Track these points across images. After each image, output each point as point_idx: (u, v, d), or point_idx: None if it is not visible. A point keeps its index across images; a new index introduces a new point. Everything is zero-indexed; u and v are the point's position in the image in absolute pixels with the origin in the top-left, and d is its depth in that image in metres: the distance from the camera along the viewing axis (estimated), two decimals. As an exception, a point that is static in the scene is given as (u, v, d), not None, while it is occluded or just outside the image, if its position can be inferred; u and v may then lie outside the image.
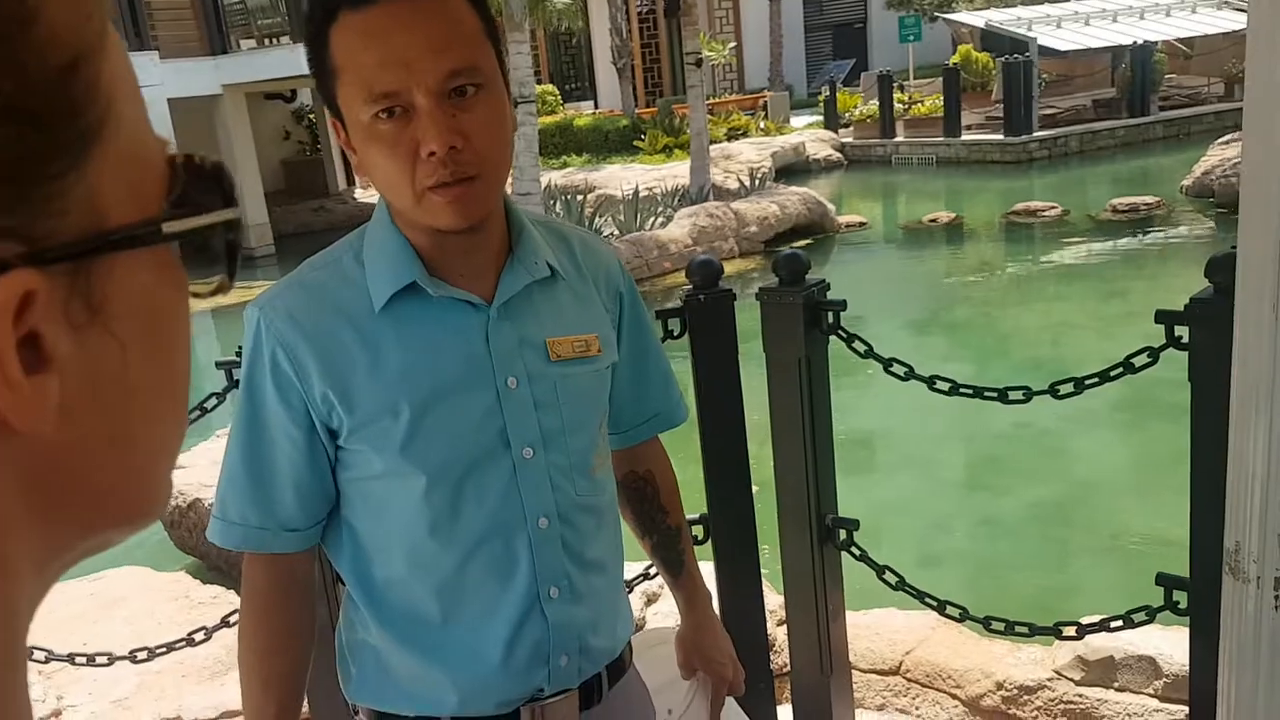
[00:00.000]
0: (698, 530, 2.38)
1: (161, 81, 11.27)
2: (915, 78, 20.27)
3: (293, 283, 1.17)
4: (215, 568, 4.39)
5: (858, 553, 2.36)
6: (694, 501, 2.47)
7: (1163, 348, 2.02)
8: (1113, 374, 2.18)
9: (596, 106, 25.14)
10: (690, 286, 2.28)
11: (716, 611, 1.49)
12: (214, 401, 2.39)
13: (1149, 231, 10.94)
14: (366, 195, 15.91)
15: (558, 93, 22.78)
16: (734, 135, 18.67)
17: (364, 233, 1.18)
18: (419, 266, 1.13)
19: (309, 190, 16.42)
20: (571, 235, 1.28)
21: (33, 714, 0.34)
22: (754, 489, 2.36)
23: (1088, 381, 2.23)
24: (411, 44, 1.04)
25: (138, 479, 0.36)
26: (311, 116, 16.75)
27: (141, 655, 2.60)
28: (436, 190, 1.06)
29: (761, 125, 19.67)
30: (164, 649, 2.60)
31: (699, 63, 12.72)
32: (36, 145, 0.30)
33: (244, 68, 13.19)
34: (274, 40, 13.40)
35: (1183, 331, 1.94)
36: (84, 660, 2.62)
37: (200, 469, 4.29)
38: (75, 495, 0.33)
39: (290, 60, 12.45)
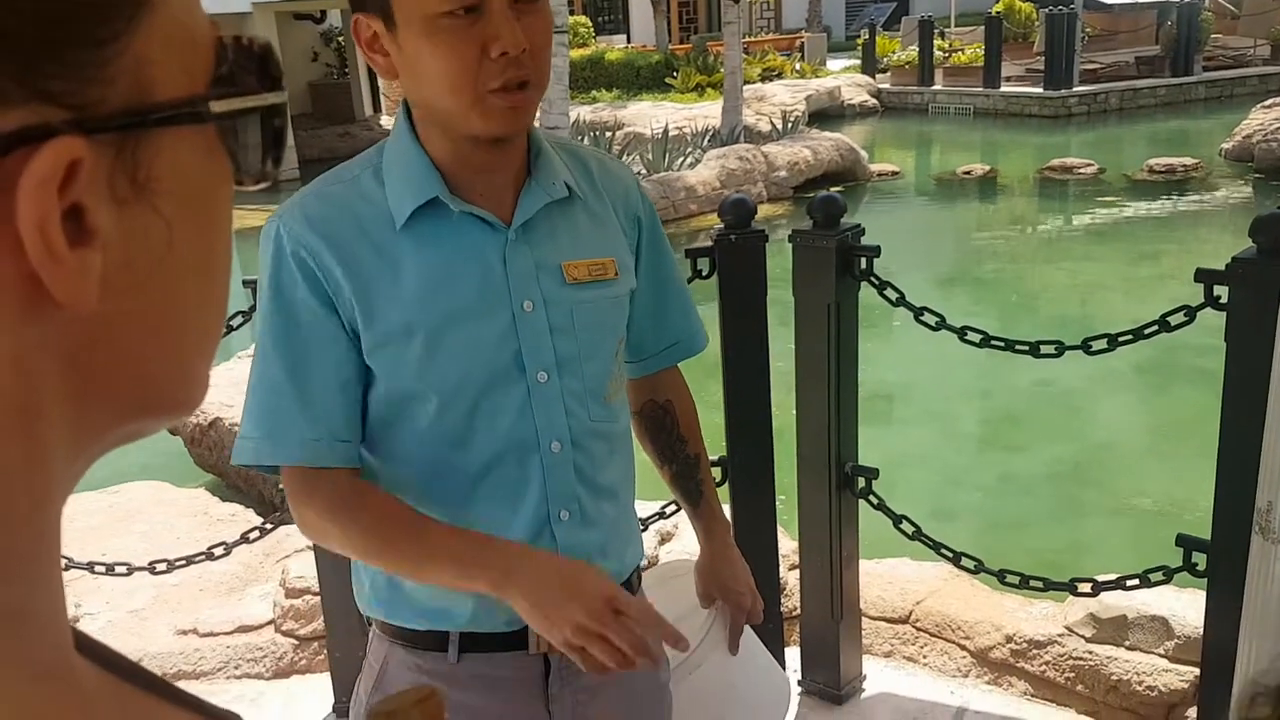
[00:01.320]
0: (716, 472, 2.38)
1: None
2: (956, 25, 19.84)
3: (311, 194, 1.15)
4: (234, 486, 4.44)
5: (875, 501, 2.36)
6: (714, 444, 2.47)
7: (1200, 307, 1.98)
8: (1147, 332, 2.15)
9: (629, 41, 24.77)
10: (721, 226, 2.25)
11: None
12: (239, 320, 2.39)
13: (1185, 194, 10.74)
14: (392, 123, 15.83)
15: (590, 25, 22.45)
16: (768, 76, 18.37)
17: (382, 149, 1.16)
18: (440, 182, 1.11)
19: (335, 115, 16.31)
20: (589, 157, 1.26)
21: (66, 609, 0.33)
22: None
23: (1121, 339, 2.19)
24: None
25: (177, 365, 0.35)
26: (340, 39, 16.59)
27: (161, 567, 2.64)
28: (498, 93, 1.05)
29: (797, 67, 19.34)
30: (183, 562, 2.64)
31: (736, 0, 12.48)
32: (87, 4, 0.29)
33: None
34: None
35: (1221, 292, 1.90)
36: (103, 569, 2.66)
37: (221, 388, 4.32)
38: (113, 377, 0.32)
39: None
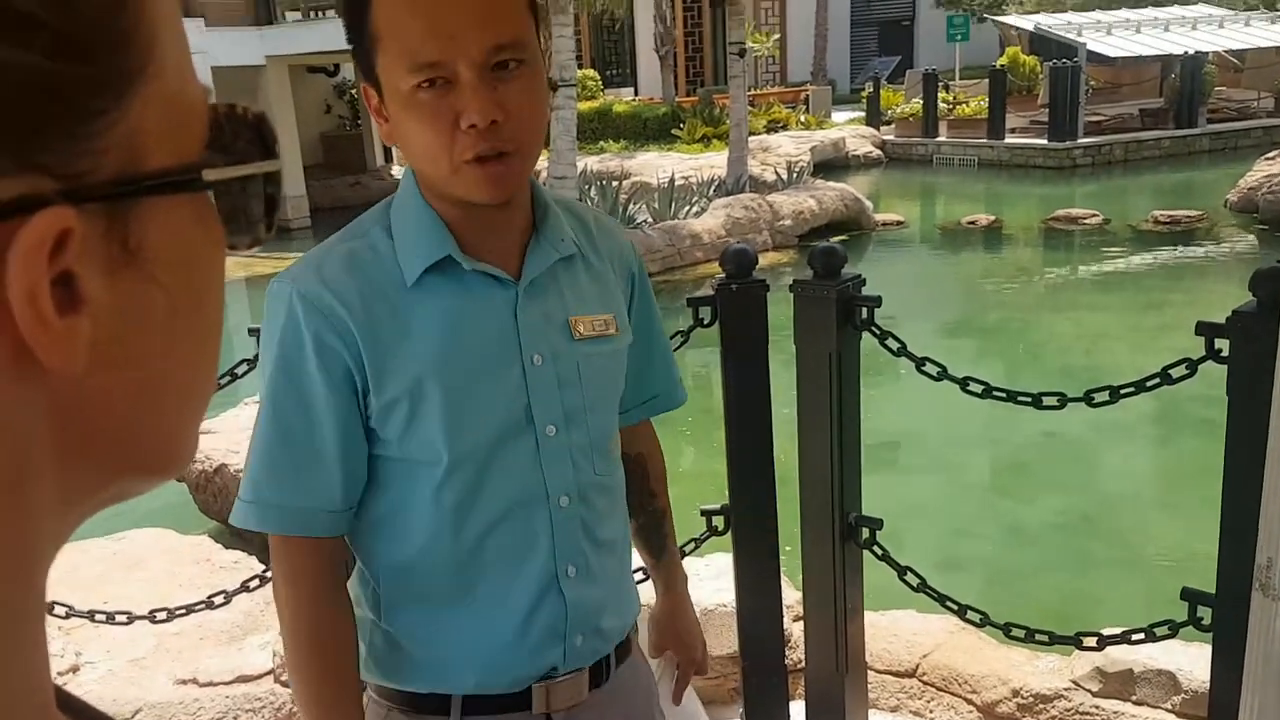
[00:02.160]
0: (719, 521, 2.37)
1: (206, 49, 11.36)
2: (961, 78, 20.07)
3: (322, 253, 1.15)
4: (237, 533, 4.42)
5: (880, 552, 2.34)
6: (717, 492, 2.47)
7: (1201, 360, 1.98)
8: (1149, 384, 2.15)
9: (637, 93, 25.08)
10: (723, 275, 2.26)
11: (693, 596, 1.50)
12: (244, 368, 2.40)
13: (1190, 245, 10.78)
14: (400, 172, 16.00)
15: (598, 78, 22.76)
16: (774, 128, 18.56)
17: (389, 206, 1.17)
18: (451, 240, 1.12)
19: (347, 165, 16.50)
20: (587, 216, 1.28)
21: (50, 667, 0.33)
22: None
23: (1123, 391, 2.19)
24: (457, 15, 1.02)
25: (164, 428, 0.35)
26: (353, 92, 16.81)
27: (161, 616, 2.63)
28: (473, 163, 1.05)
29: (802, 119, 19.54)
30: (184, 611, 2.63)
31: (742, 53, 12.65)
32: (80, 79, 0.29)
33: (289, 40, 13.26)
34: (320, 14, 13.46)
35: (1222, 345, 1.90)
36: (104, 618, 2.65)
37: (227, 435, 4.33)
38: (102, 439, 0.33)
39: (335, 34, 12.48)
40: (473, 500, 1.15)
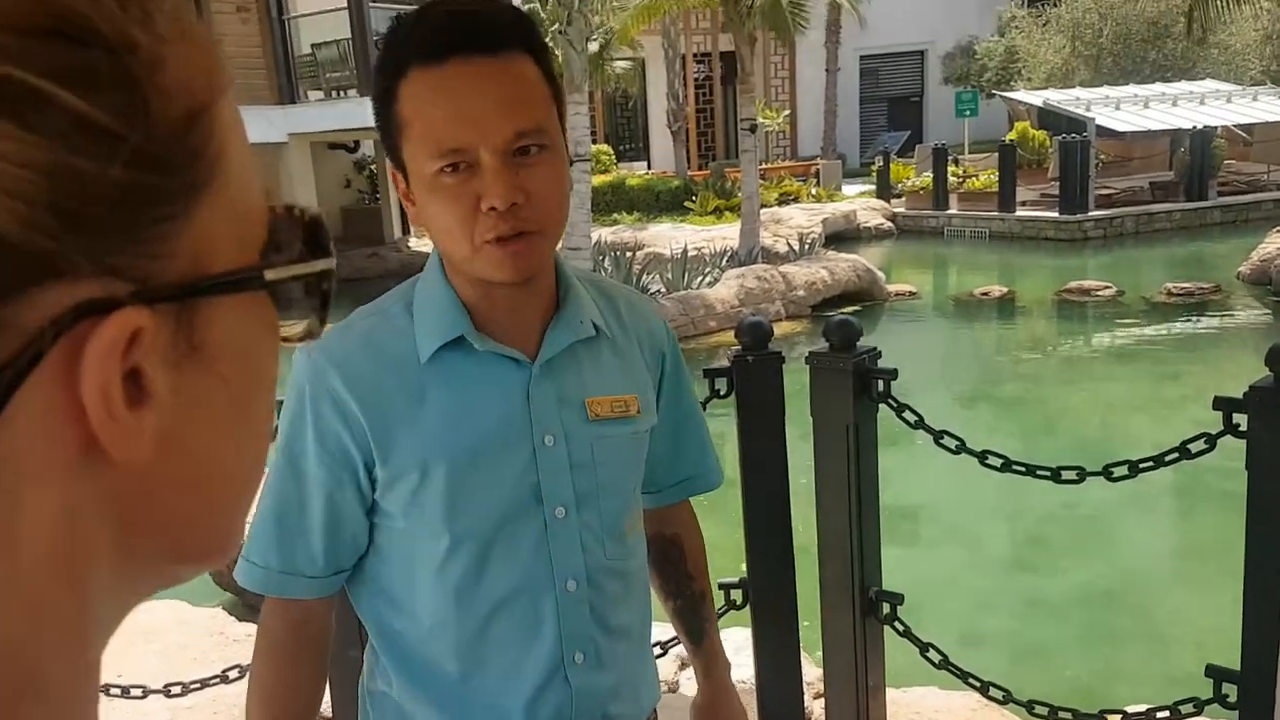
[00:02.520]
0: (737, 595, 2.36)
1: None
2: (970, 152, 20.31)
3: (341, 328, 1.18)
4: (251, 605, 4.40)
5: (901, 628, 2.32)
6: (734, 565, 2.46)
7: (1220, 434, 1.98)
8: (1168, 459, 2.15)
9: (649, 167, 25.45)
10: (739, 347, 2.29)
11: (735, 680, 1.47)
12: (264, 439, 2.43)
13: (1204, 317, 10.77)
14: (420, 244, 16.18)
15: (612, 152, 23.12)
16: (785, 200, 18.78)
17: (415, 284, 1.20)
18: (466, 320, 1.14)
19: (365, 237, 16.73)
20: (618, 294, 1.29)
21: None
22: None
23: (1142, 465, 2.19)
24: (480, 103, 1.05)
25: (217, 517, 0.36)
26: (372, 167, 17.14)
27: (175, 690, 2.61)
28: (494, 243, 1.07)
29: (813, 192, 19.77)
30: (197, 685, 2.61)
31: (753, 128, 12.86)
32: (154, 189, 0.31)
33: (310, 118, 13.56)
34: (341, 93, 13.78)
35: (1240, 419, 1.91)
36: (118, 692, 2.64)
37: (243, 506, 4.33)
38: (158, 529, 0.34)
39: (355, 113, 12.78)
40: (476, 580, 1.16)
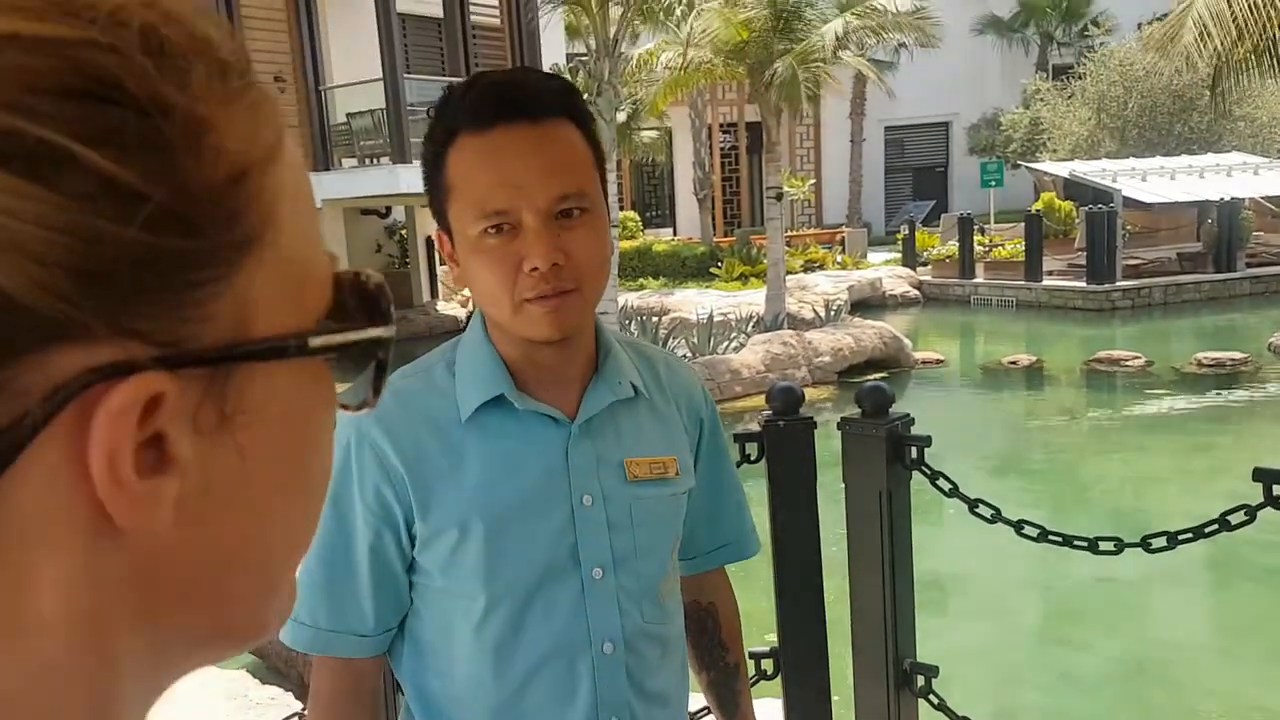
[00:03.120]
0: (768, 665, 2.32)
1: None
2: (995, 222, 20.37)
3: (388, 387, 1.19)
4: (274, 668, 4.37)
5: (936, 701, 2.27)
6: (766, 633, 2.42)
7: (1260, 506, 1.95)
8: (1208, 531, 2.11)
9: (675, 233, 25.72)
10: (769, 412, 2.28)
11: None
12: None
13: (1235, 388, 10.65)
14: (447, 308, 16.34)
15: (639, 219, 23.38)
16: (810, 267, 18.86)
17: (457, 344, 1.21)
18: (508, 379, 1.15)
19: (395, 300, 16.82)
20: (656, 357, 1.30)
21: None
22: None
23: (1181, 536, 2.16)
24: (525, 167, 1.08)
25: (257, 592, 0.35)
26: (403, 232, 17.39)
27: (198, 751, 2.59)
28: (534, 301, 1.09)
29: (838, 259, 19.85)
30: (220, 747, 2.58)
31: (779, 196, 12.98)
32: (183, 252, 0.30)
33: (344, 184, 13.82)
34: (374, 160, 14.05)
35: (1282, 490, 1.87)
36: (141, 752, 2.61)
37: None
38: (188, 601, 0.33)
39: (388, 179, 13.02)
40: (514, 641, 1.15)
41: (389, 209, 17.44)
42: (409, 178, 12.10)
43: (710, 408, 1.33)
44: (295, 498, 0.35)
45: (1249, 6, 10.10)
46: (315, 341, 0.34)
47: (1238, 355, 11.38)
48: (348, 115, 14.14)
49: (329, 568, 1.18)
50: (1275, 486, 1.89)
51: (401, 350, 1.36)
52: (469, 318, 1.24)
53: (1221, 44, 10.26)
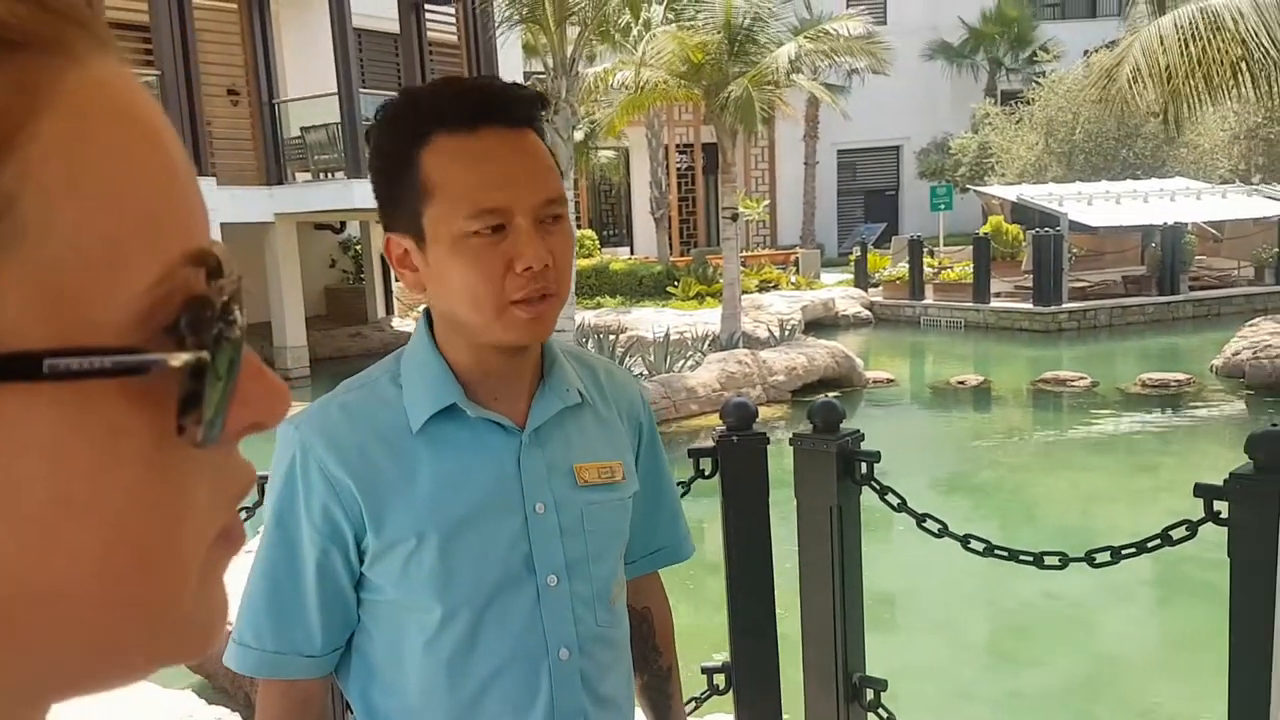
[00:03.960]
0: (720, 679, 2.33)
1: (217, 207, 11.72)
2: (945, 245, 20.69)
3: (329, 403, 1.19)
4: (221, 689, 4.30)
5: (885, 714, 2.29)
6: (718, 647, 2.43)
7: (1201, 522, 2.00)
8: (1150, 545, 2.16)
9: (632, 252, 25.78)
10: (724, 427, 2.30)
11: None
12: (242, 514, 2.40)
13: (1179, 408, 10.89)
14: (403, 324, 16.22)
15: (596, 238, 23.41)
16: (765, 287, 19.01)
17: (399, 357, 1.21)
18: (458, 388, 1.15)
19: (349, 317, 16.76)
20: (597, 364, 1.31)
21: None
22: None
23: (1125, 551, 2.20)
24: (515, 169, 1.09)
25: (70, 641, 0.31)
26: (357, 247, 17.27)
27: (140, 773, 2.53)
28: (521, 305, 1.09)
29: (792, 280, 20.03)
30: (163, 768, 2.53)
31: (735, 217, 13.08)
32: None
33: (297, 199, 13.69)
34: (329, 175, 13.95)
35: (1221, 507, 1.92)
36: (81, 774, 2.55)
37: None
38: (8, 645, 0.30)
39: (343, 194, 12.92)
40: (469, 652, 1.15)
41: (343, 224, 17.30)
42: (364, 192, 12.01)
43: (648, 413, 1.34)
44: (96, 539, 0.30)
45: (1181, 50, 10.42)
46: (59, 364, 0.28)
47: (1181, 376, 11.65)
48: (302, 129, 14.03)
49: (274, 588, 1.16)
50: (1215, 502, 1.94)
51: (359, 368, 1.33)
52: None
53: (1155, 89, 10.59)
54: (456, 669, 1.15)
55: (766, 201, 26.29)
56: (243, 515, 2.39)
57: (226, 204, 12.38)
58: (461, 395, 1.15)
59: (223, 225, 12.03)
